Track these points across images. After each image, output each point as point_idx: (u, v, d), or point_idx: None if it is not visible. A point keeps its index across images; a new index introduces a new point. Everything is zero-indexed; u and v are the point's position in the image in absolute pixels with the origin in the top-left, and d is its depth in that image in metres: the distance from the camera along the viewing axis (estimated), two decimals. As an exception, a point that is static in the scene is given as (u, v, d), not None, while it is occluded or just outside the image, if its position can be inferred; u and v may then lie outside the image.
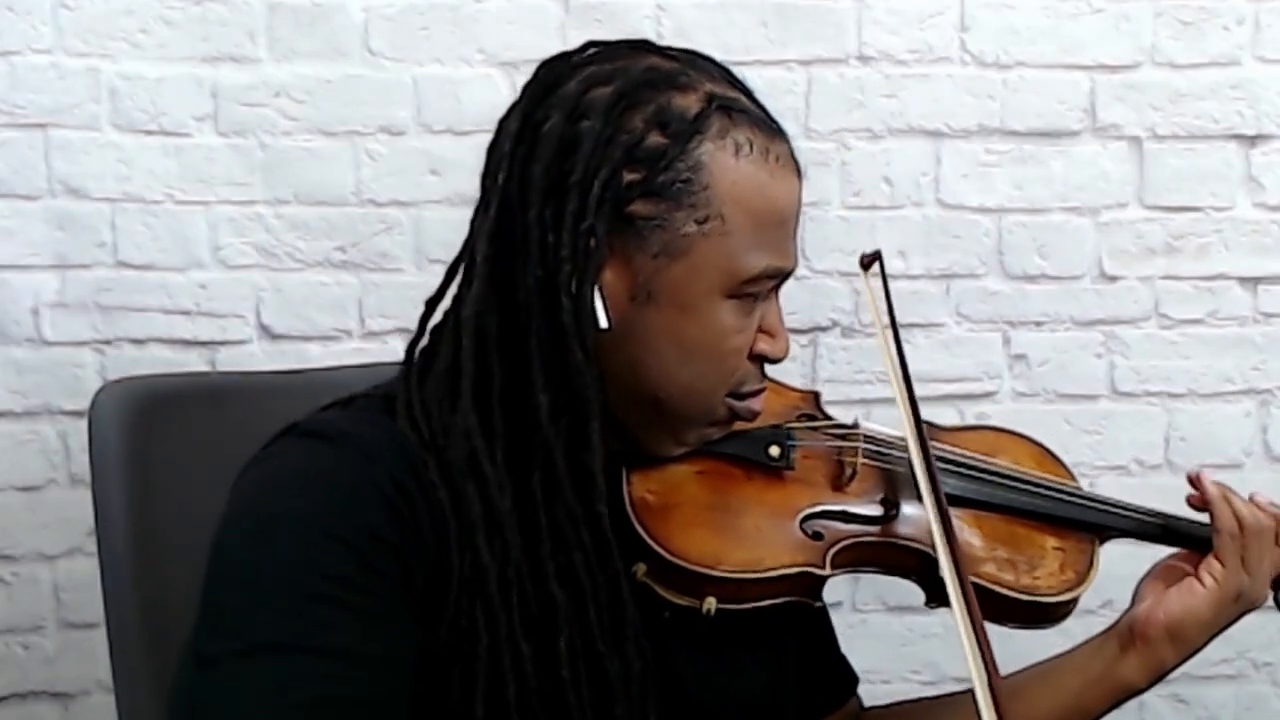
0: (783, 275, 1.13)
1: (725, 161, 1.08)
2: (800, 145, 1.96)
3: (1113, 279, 1.99)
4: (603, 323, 1.07)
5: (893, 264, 1.96)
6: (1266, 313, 2.00)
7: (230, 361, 1.91)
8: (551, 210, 1.07)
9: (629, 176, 1.07)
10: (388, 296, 1.92)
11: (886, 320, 1.21)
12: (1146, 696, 2.01)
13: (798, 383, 1.33)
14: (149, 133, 1.88)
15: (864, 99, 1.94)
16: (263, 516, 1.03)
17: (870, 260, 1.26)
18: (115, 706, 1.30)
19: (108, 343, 1.90)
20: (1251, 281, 2.00)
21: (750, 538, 1.15)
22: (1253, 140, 1.98)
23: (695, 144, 1.08)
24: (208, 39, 1.87)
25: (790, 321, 1.95)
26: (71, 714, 1.92)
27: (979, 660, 0.98)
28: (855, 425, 1.24)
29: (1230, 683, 2.05)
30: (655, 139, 1.07)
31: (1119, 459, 2.00)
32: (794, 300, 1.94)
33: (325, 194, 1.91)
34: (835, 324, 1.97)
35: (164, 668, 1.25)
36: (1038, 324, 2.00)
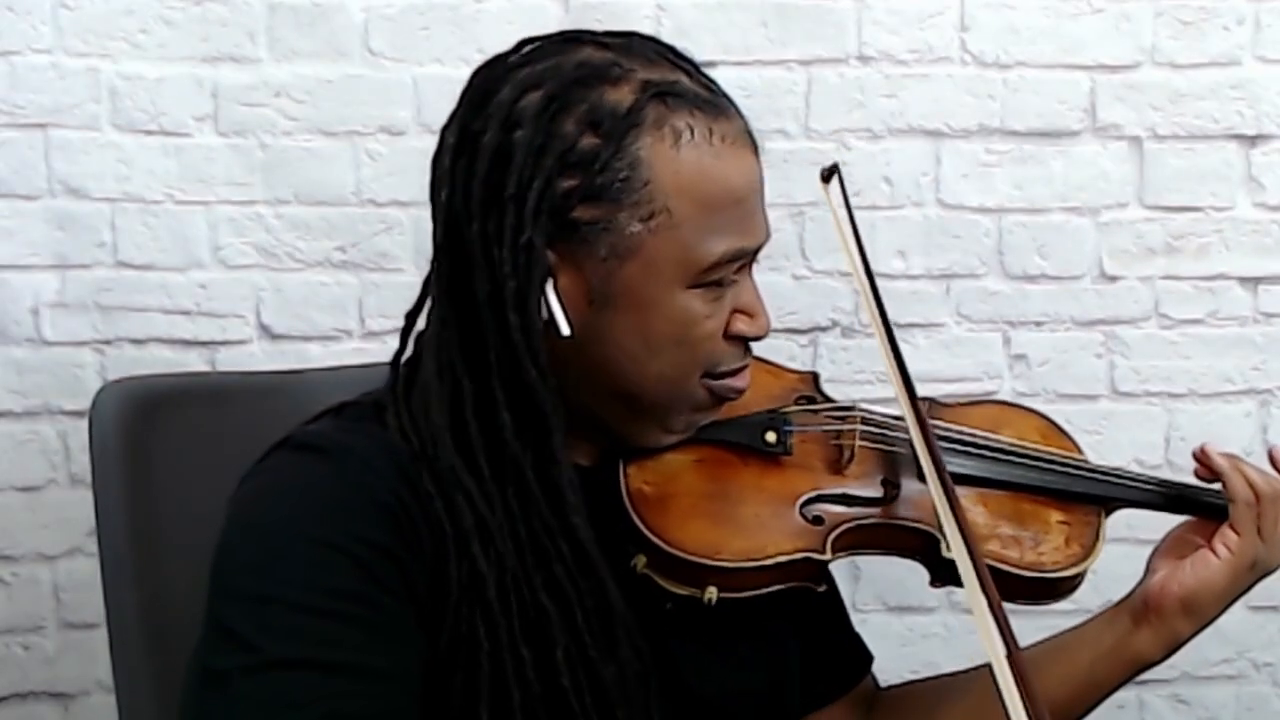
0: (747, 255, 1.11)
1: (664, 153, 1.06)
2: (800, 145, 1.98)
3: (1113, 279, 1.99)
4: (564, 330, 1.07)
5: (893, 264, 1.96)
6: (1266, 313, 2.00)
7: (230, 361, 1.91)
8: (493, 225, 1.06)
9: (566, 183, 1.06)
10: (388, 296, 1.92)
11: (852, 240, 1.17)
12: (1147, 696, 2.03)
13: (798, 381, 1.33)
14: (149, 133, 1.88)
15: (864, 99, 1.94)
16: (264, 531, 1.03)
17: (829, 173, 1.21)
18: (115, 706, 1.30)
19: (108, 343, 1.90)
20: (1251, 281, 2.00)
21: (750, 525, 1.15)
22: (1253, 140, 1.97)
23: (631, 140, 1.06)
24: (208, 39, 1.87)
25: (790, 321, 1.97)
26: (71, 714, 1.92)
27: (995, 633, 0.96)
28: (853, 407, 1.23)
29: (1231, 683, 2.05)
30: (588, 141, 1.06)
31: (1119, 459, 1.98)
32: (794, 300, 1.95)
33: (325, 194, 1.91)
34: (835, 324, 1.97)
35: (164, 668, 1.26)
36: (1038, 324, 2.00)
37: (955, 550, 1.02)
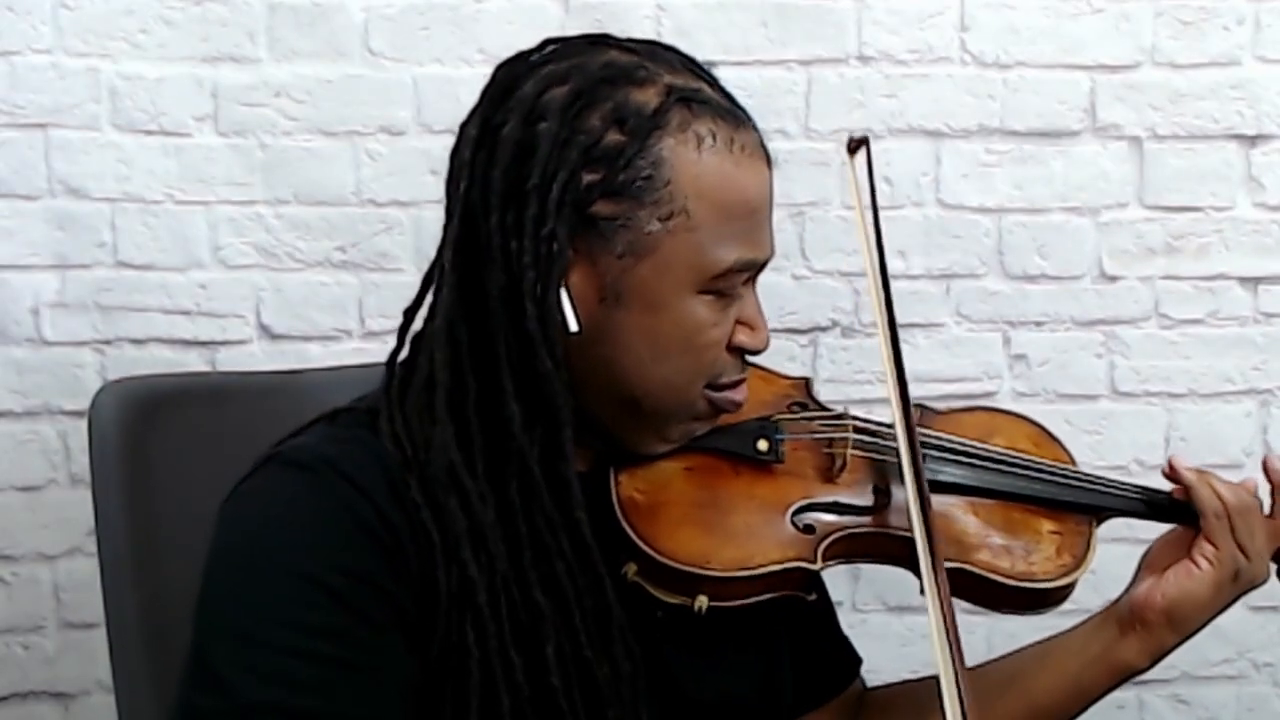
0: (756, 266, 1.12)
1: (687, 155, 1.07)
2: (800, 145, 1.98)
3: (1113, 279, 1.99)
4: (573, 326, 1.06)
5: (893, 264, 1.95)
6: (1266, 313, 2.00)
7: (230, 361, 1.91)
8: (512, 216, 1.06)
9: (588, 177, 1.05)
10: (388, 296, 1.92)
11: (869, 208, 1.17)
12: (1147, 696, 2.03)
13: (797, 383, 1.33)
14: (149, 133, 1.88)
15: (864, 99, 1.94)
16: (247, 559, 1.03)
17: (857, 145, 1.20)
18: (115, 706, 1.30)
19: (108, 343, 1.90)
20: (1251, 281, 2.00)
21: (740, 534, 1.14)
22: (1253, 140, 1.98)
23: (655, 139, 1.06)
24: (208, 39, 1.87)
25: (790, 321, 1.97)
26: (71, 714, 1.92)
27: (947, 653, 0.97)
28: (845, 414, 1.23)
29: (1231, 683, 2.05)
30: (613, 137, 1.06)
31: (1119, 459, 2.00)
32: (794, 300, 1.95)
33: (325, 194, 1.91)
34: (835, 324, 1.97)
35: (164, 668, 1.26)
36: (1038, 324, 2.00)
37: (921, 562, 1.03)
